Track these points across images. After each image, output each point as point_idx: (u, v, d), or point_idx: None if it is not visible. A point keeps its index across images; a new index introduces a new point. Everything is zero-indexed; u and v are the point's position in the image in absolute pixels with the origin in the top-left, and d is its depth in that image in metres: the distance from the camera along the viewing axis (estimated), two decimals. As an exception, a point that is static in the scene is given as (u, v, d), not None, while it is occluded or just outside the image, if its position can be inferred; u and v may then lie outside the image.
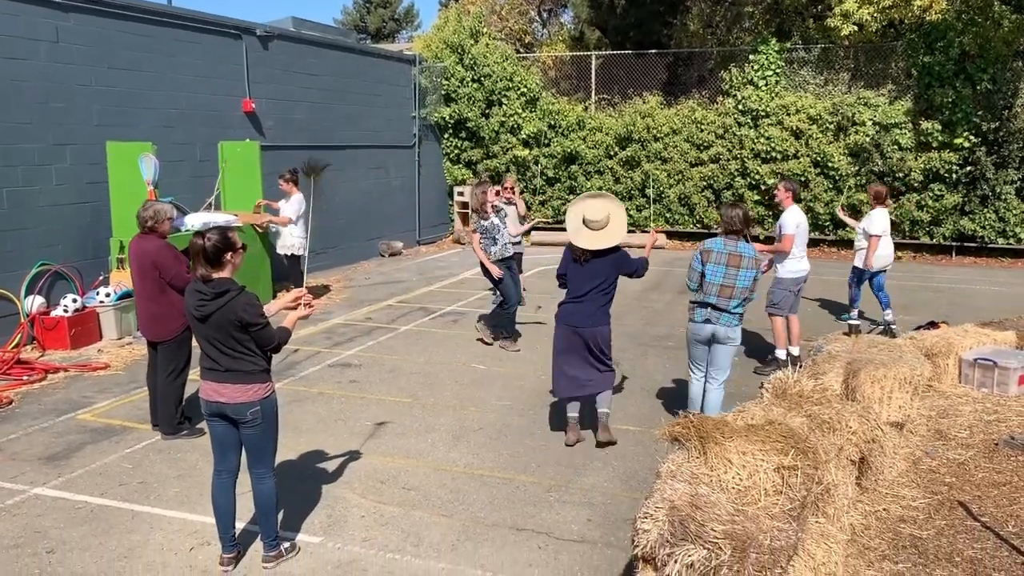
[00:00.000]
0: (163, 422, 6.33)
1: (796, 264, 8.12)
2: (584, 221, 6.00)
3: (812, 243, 16.32)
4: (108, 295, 9.23)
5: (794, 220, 8.05)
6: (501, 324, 9.07)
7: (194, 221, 9.69)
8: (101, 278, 9.73)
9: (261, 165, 11.39)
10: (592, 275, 6.04)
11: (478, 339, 9.15)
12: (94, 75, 9.99)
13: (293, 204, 10.79)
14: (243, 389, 4.24)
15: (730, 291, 5.96)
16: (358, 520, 4.98)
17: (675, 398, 7.27)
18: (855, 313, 9.68)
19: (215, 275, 4.23)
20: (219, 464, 4.44)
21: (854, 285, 9.69)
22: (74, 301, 8.99)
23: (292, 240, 10.88)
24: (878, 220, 9.25)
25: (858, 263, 9.47)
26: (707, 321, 6.04)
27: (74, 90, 9.74)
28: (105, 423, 6.67)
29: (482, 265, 8.72)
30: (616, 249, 6.07)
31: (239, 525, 4.63)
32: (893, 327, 9.55)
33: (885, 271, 9.60)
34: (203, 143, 11.52)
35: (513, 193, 11.14)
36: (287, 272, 11.16)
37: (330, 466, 5.78)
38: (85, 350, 8.83)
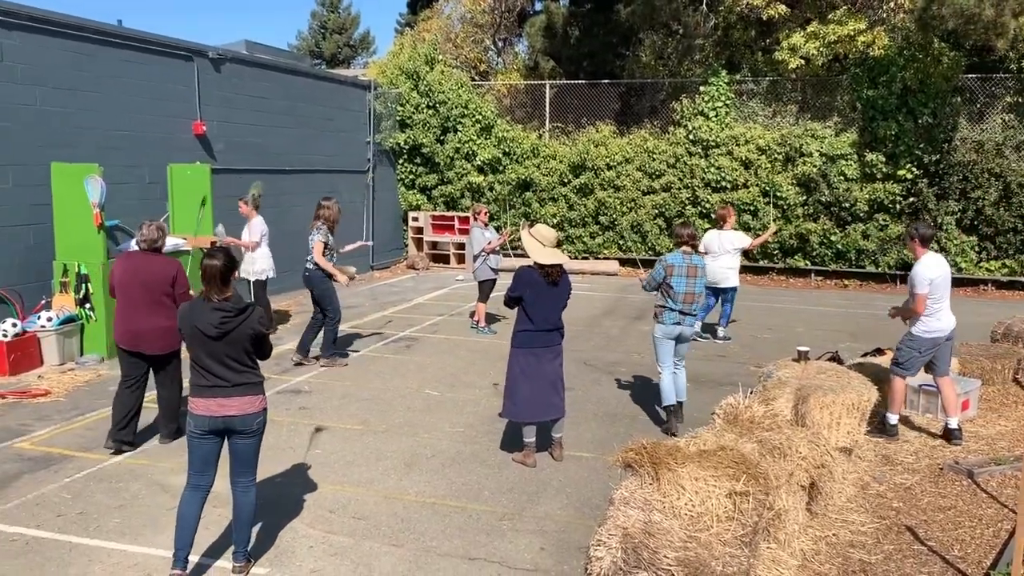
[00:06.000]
0: (173, 427, 6.69)
1: (932, 322, 6.62)
2: (542, 240, 6.19)
3: (760, 271, 16.76)
4: (50, 319, 8.97)
5: (927, 275, 6.49)
6: (327, 340, 9.27)
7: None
8: (43, 302, 9.46)
9: (212, 188, 11.22)
10: (560, 296, 6.21)
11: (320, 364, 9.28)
12: (39, 95, 9.76)
13: (256, 228, 10.54)
14: (251, 401, 4.43)
15: (692, 297, 6.91)
16: (306, 551, 4.86)
17: (629, 424, 7.28)
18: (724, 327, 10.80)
19: (226, 294, 4.43)
20: (197, 479, 4.48)
21: (717, 300, 10.72)
22: (14, 325, 8.71)
23: (262, 264, 10.57)
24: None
25: (735, 282, 10.48)
26: (676, 323, 6.96)
27: (18, 110, 9.51)
28: (44, 451, 6.45)
29: (322, 272, 9.32)
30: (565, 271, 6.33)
31: (192, 559, 4.49)
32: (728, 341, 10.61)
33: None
34: (152, 165, 11.31)
35: (485, 223, 11.16)
36: (254, 297, 10.84)
37: (278, 495, 5.65)
38: (24, 376, 8.55)
